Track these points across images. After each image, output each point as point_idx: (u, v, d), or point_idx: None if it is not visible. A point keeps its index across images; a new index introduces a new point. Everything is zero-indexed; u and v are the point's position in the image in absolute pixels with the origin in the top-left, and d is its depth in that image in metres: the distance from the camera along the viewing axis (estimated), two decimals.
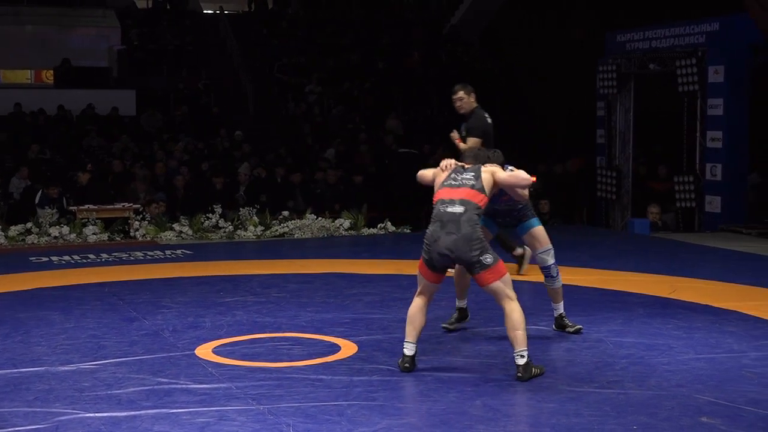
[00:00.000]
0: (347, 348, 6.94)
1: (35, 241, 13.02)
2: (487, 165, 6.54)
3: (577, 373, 6.24)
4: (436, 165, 6.67)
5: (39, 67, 24.67)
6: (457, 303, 7.63)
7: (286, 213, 14.45)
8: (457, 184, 6.38)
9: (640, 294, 8.99)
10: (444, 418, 5.36)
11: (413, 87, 22.26)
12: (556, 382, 6.06)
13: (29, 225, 13.29)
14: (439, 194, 6.41)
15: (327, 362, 6.55)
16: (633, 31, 17.05)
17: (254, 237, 13.76)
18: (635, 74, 16.66)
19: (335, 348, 6.96)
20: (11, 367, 6.47)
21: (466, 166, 6.52)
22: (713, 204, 15.08)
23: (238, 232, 13.82)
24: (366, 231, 14.20)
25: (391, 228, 14.35)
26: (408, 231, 14.43)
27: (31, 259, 11.61)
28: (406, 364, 6.32)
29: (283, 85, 22.24)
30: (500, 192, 6.83)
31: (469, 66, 23.43)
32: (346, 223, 14.23)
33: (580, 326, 7.46)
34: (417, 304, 6.44)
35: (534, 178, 6.62)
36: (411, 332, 6.37)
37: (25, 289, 9.49)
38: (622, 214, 16.86)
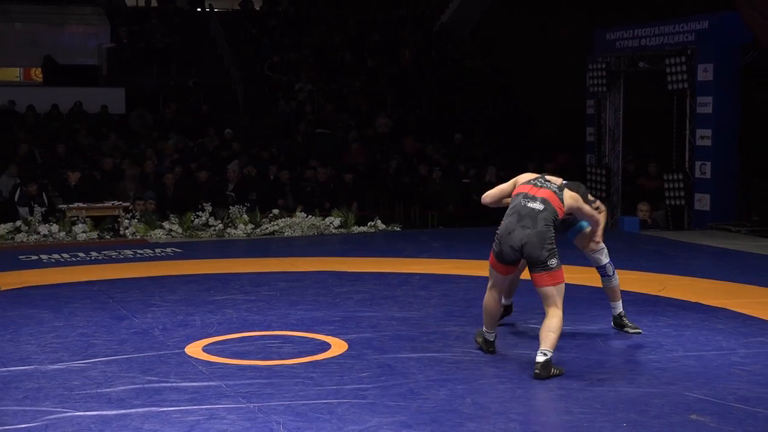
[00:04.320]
0: (337, 346, 6.94)
1: (24, 240, 12.99)
2: (572, 195, 6.62)
3: (567, 371, 6.24)
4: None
5: (28, 65, 24.60)
6: (503, 300, 7.38)
7: (276, 211, 14.45)
8: (541, 185, 6.53)
9: (630, 292, 8.99)
10: (434, 415, 5.36)
11: (404, 85, 22.26)
12: (546, 379, 6.06)
13: (18, 223, 13.26)
14: (521, 188, 6.56)
15: (317, 360, 6.55)
16: (622, 29, 17.08)
17: (244, 235, 13.75)
18: (625, 72, 16.69)
19: (325, 346, 6.96)
20: (0, 365, 6.45)
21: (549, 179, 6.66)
22: (702, 202, 15.12)
23: (228, 230, 13.81)
24: (356, 229, 14.21)
25: (381, 226, 14.37)
26: (398, 229, 14.45)
27: (20, 257, 11.58)
28: (491, 348, 6.73)
29: (273, 83, 22.21)
30: None
31: (460, 64, 23.44)
32: (336, 222, 14.24)
33: (640, 330, 7.40)
34: (490, 296, 6.66)
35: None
36: (489, 322, 6.71)
37: (14, 288, 9.47)
38: (611, 212, 16.88)
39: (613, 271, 7.37)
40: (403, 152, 18.94)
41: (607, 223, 7.43)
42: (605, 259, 7.33)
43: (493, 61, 24.08)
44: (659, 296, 8.87)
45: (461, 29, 25.19)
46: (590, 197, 7.19)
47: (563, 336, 7.22)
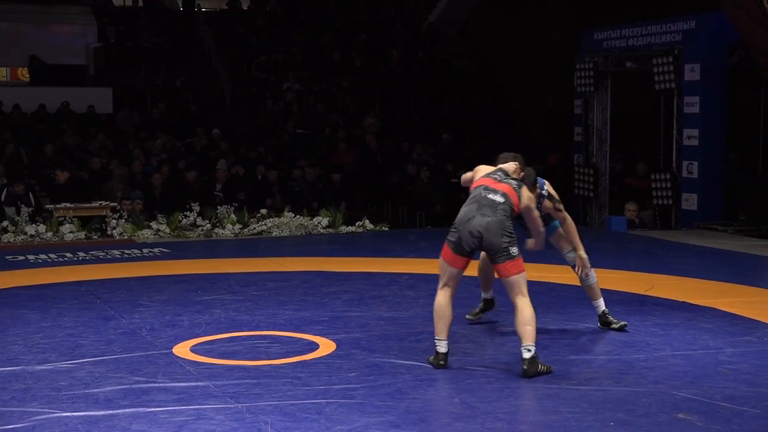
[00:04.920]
0: (325, 346, 6.94)
1: (11, 240, 12.94)
2: (527, 195, 6.60)
3: (555, 370, 6.25)
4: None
5: (15, 64, 24.48)
6: (483, 295, 7.63)
7: (264, 211, 14.44)
8: (501, 179, 6.51)
9: (618, 291, 9.02)
10: (422, 415, 5.36)
11: (392, 85, 22.26)
12: (534, 379, 6.07)
13: (5, 223, 13.21)
14: (481, 181, 6.53)
15: (305, 360, 6.55)
16: (610, 29, 17.11)
17: (232, 235, 13.73)
18: (612, 72, 16.72)
19: (313, 346, 6.96)
20: None
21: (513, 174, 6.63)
22: (690, 201, 15.17)
23: (216, 230, 13.79)
24: (344, 229, 14.21)
25: (369, 226, 14.37)
26: (386, 229, 14.45)
27: (7, 257, 11.54)
28: (441, 362, 6.33)
29: (260, 82, 22.19)
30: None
31: (447, 64, 23.45)
32: (324, 221, 14.23)
33: (625, 323, 7.51)
34: (442, 297, 6.42)
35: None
36: (442, 329, 6.36)
37: (1, 288, 9.43)
38: (599, 212, 16.92)
39: (590, 271, 7.42)
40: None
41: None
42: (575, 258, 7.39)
43: (480, 61, 24.10)
44: (647, 295, 8.89)
45: (449, 29, 25.21)
46: (555, 197, 7.20)
47: (551, 335, 7.26)
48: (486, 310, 7.71)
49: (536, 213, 6.74)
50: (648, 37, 16.18)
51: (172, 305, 8.49)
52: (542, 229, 6.85)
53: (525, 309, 6.20)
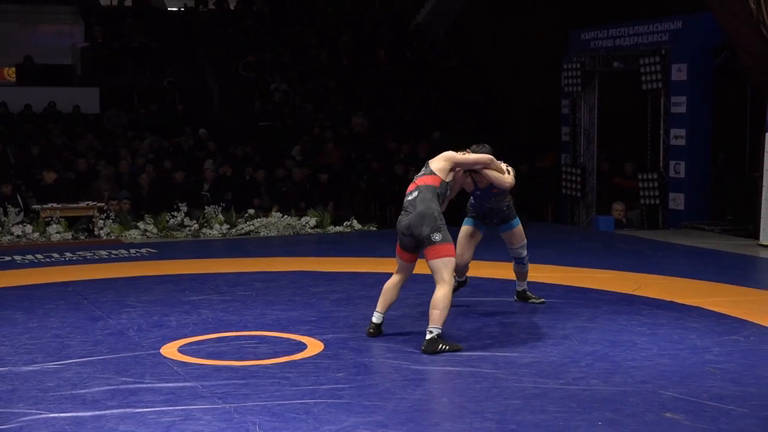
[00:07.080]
0: (313, 346, 6.94)
1: None
2: (441, 154, 7.20)
3: (542, 370, 6.26)
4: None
5: (1, 65, 24.41)
6: (457, 278, 7.97)
7: (251, 211, 14.43)
8: (416, 176, 7.19)
9: (605, 291, 9.04)
10: (410, 415, 5.36)
11: (379, 85, 22.26)
12: (522, 378, 6.08)
13: None
14: (407, 191, 7.16)
15: (293, 360, 6.55)
16: (597, 29, 17.16)
17: (220, 235, 13.72)
18: (599, 72, 16.76)
19: (301, 346, 6.95)
20: None
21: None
22: (677, 201, 15.22)
23: (204, 230, 13.77)
24: (332, 229, 14.21)
25: (356, 226, 14.38)
26: (374, 229, 14.45)
27: None
28: (371, 330, 7.16)
29: (248, 82, 22.16)
30: (489, 186, 7.67)
31: (435, 64, 23.46)
32: (312, 221, 14.23)
33: (543, 300, 8.36)
34: (393, 280, 7.20)
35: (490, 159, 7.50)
36: (382, 303, 7.19)
37: None
38: (586, 211, 16.96)
39: (527, 262, 8.25)
40: (386, 151, 18.99)
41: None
42: (524, 252, 8.17)
43: (468, 61, 24.11)
44: (634, 295, 8.91)
45: (436, 29, 25.22)
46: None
47: (537, 335, 7.28)
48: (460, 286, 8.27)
49: (460, 157, 7.25)
50: (635, 37, 16.23)
51: (160, 306, 8.48)
52: (476, 160, 7.42)
53: (438, 293, 6.74)
